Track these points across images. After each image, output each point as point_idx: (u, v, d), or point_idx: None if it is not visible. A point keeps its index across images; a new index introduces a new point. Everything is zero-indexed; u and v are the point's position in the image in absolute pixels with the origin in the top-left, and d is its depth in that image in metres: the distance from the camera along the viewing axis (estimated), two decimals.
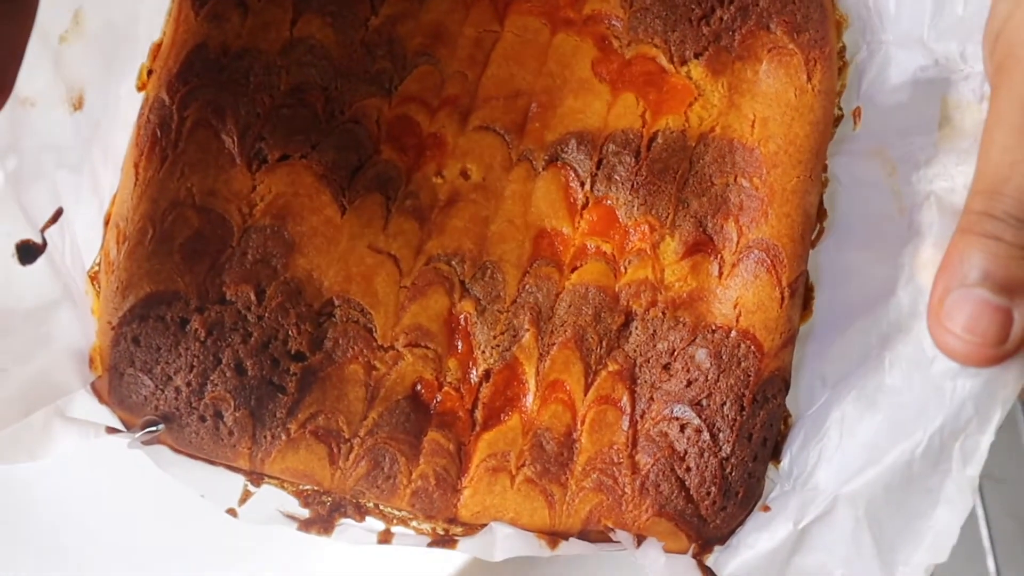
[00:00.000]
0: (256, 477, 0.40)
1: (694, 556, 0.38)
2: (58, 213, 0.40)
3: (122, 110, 0.40)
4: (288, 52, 0.42)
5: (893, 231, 0.39)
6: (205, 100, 0.41)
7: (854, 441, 0.38)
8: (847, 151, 0.43)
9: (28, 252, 0.39)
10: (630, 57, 0.42)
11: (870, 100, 0.42)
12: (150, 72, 0.42)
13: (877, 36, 0.43)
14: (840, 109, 0.43)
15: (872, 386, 0.38)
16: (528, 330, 0.40)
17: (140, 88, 0.42)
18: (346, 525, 0.38)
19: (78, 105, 0.40)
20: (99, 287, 0.40)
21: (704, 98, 0.42)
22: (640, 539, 0.37)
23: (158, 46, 0.42)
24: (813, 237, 0.42)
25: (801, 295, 0.41)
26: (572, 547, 0.38)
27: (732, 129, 0.42)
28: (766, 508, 0.39)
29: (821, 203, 0.42)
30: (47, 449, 0.37)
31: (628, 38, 0.43)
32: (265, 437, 0.40)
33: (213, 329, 0.40)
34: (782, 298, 0.40)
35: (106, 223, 0.41)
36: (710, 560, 0.38)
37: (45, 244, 0.38)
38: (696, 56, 0.42)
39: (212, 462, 0.40)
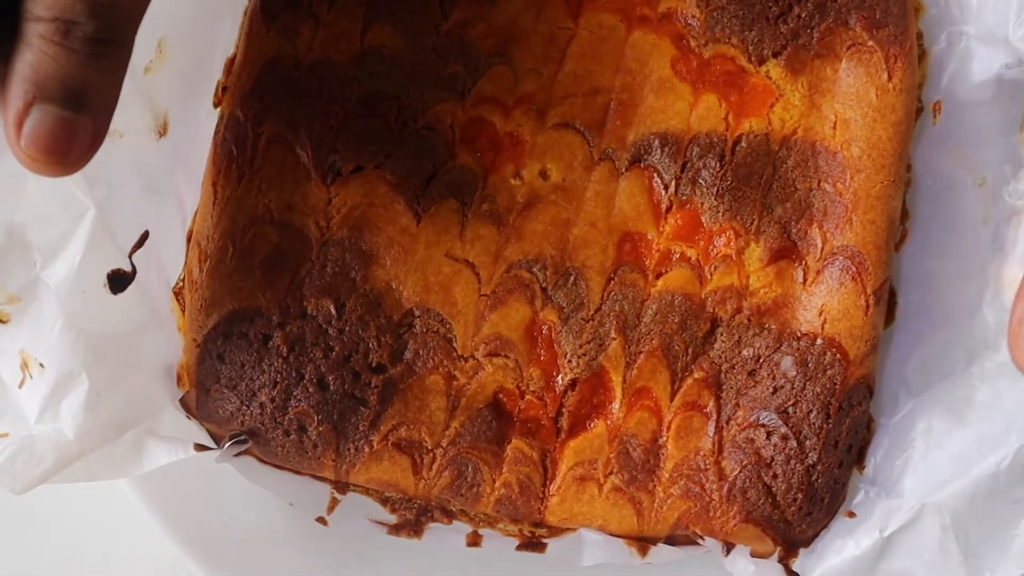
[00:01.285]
0: (342, 486, 0.44)
1: (780, 560, 0.42)
2: (144, 236, 0.48)
3: (202, 129, 0.46)
4: (359, 63, 0.49)
5: (976, 241, 0.44)
6: (279, 115, 0.48)
7: (941, 453, 0.43)
8: (928, 147, 0.45)
9: (119, 281, 0.47)
10: (708, 57, 0.50)
11: (951, 95, 0.46)
12: (224, 88, 0.50)
13: (957, 27, 0.46)
14: (920, 101, 0.45)
15: (960, 401, 0.43)
16: (615, 339, 0.48)
17: (216, 105, 0.51)
18: (435, 528, 0.42)
19: (163, 131, 0.46)
20: (183, 304, 0.44)
21: (784, 99, 0.49)
22: (728, 547, 0.41)
23: (231, 61, 0.50)
24: (896, 240, 0.45)
25: (885, 301, 0.50)
26: (661, 553, 0.41)
27: (814, 131, 0.49)
28: (851, 514, 0.44)
29: (904, 204, 0.45)
30: (138, 466, 0.44)
31: (705, 37, 0.50)
32: (349, 450, 0.48)
33: (295, 344, 0.48)
34: (867, 306, 0.48)
35: (188, 241, 0.45)
36: (795, 564, 0.42)
37: (135, 271, 0.43)
38: (774, 55, 0.50)
39: (298, 472, 0.44)
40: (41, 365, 0.44)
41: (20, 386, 0.44)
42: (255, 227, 0.47)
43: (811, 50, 0.48)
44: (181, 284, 0.49)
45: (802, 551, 0.46)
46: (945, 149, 0.48)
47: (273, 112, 0.47)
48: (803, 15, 0.48)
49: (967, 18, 0.47)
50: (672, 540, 0.47)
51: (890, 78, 0.48)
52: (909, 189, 0.49)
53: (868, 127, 0.47)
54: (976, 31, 0.46)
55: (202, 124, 0.48)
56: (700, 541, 0.46)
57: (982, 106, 0.46)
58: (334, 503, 0.48)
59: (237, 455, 0.47)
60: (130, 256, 0.46)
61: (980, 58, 0.46)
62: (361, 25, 0.48)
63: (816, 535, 0.47)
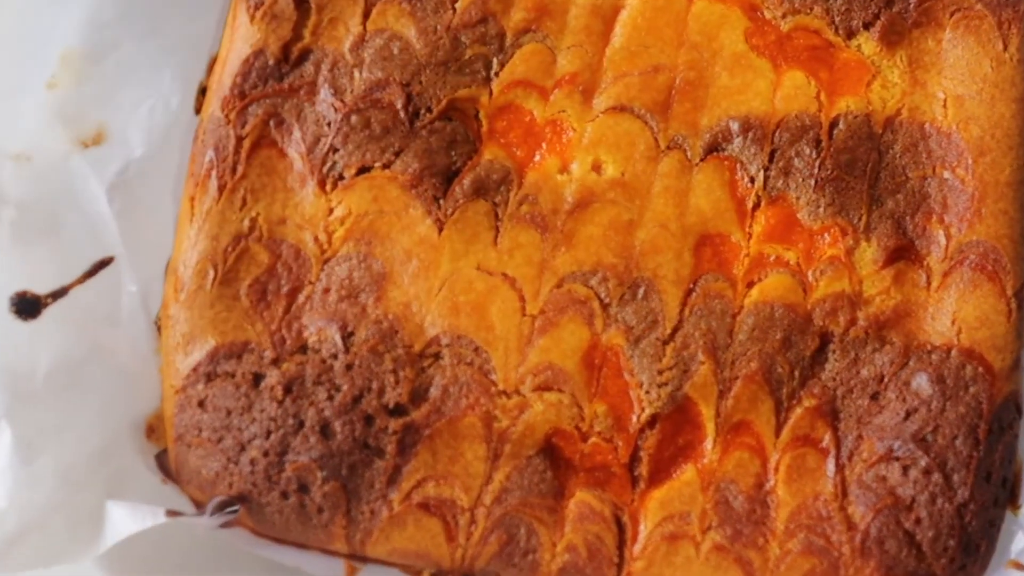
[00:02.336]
0: (358, 560, 0.61)
1: None
2: (103, 263, 0.62)
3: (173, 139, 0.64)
4: (360, 48, 0.65)
5: None
6: (266, 114, 0.63)
7: None
8: None
9: (27, 305, 0.61)
10: (788, 29, 0.66)
11: None
12: (204, 90, 0.65)
13: None
14: None
15: None
16: (703, 363, 0.61)
17: (197, 111, 0.64)
18: None
19: (94, 142, 0.65)
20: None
21: (882, 76, 0.66)
22: None
23: (214, 60, 0.65)
24: None
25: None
26: None
27: (921, 111, 0.65)
28: (1017, 565, 0.61)
29: None
30: (98, 540, 0.56)
31: (783, 8, 0.66)
32: (362, 513, 0.59)
33: (292, 385, 0.60)
34: (1009, 311, 0.62)
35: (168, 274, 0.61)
36: None
37: (53, 294, 0.59)
38: (865, 26, 0.66)
39: (303, 546, 0.59)
40: None
41: None
42: (240, 246, 0.61)
43: (908, 18, 0.65)
44: (159, 323, 0.61)
45: None
46: None
47: (258, 111, 0.62)
48: None
49: None
50: None
51: (1006, 47, 0.64)
52: None
53: (987, 104, 0.63)
54: None
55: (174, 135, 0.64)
56: None
57: None
58: (352, 571, 0.60)
59: (224, 525, 0.57)
60: (70, 287, 0.60)
61: None
62: (363, 7, 0.64)
63: None
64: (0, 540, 0.58)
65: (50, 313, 0.61)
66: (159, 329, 0.63)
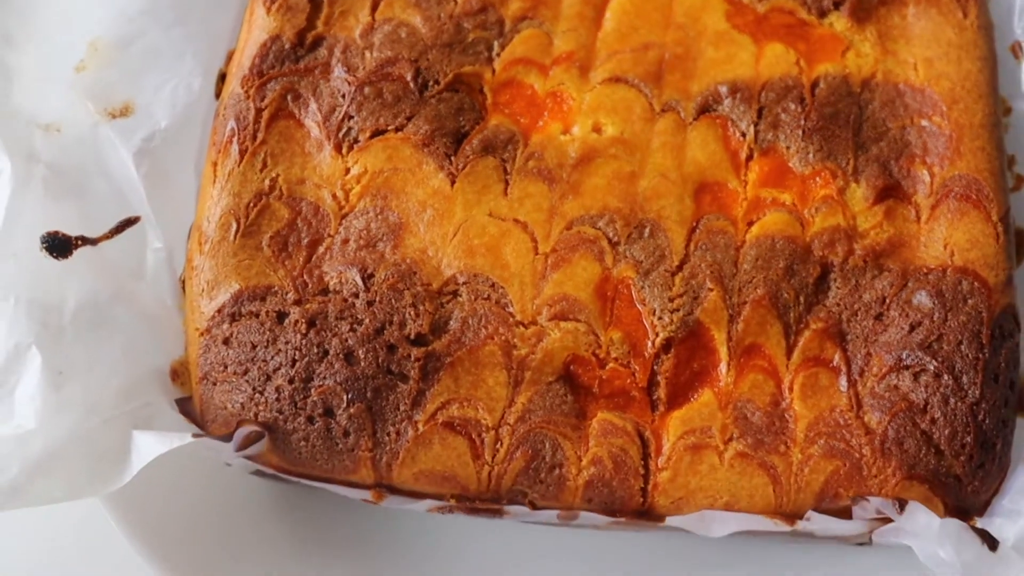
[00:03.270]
0: (381, 493, 0.61)
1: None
2: (129, 221, 0.70)
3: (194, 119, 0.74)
4: (370, 34, 0.76)
5: None
6: (283, 89, 0.74)
7: None
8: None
9: (59, 244, 0.66)
10: (764, 11, 0.78)
11: None
12: (223, 77, 0.76)
13: None
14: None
15: None
16: (711, 290, 0.69)
17: (217, 96, 0.76)
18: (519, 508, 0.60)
19: (123, 113, 0.69)
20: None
21: (855, 48, 0.79)
22: (901, 503, 0.59)
23: (231, 55, 0.77)
24: (1011, 186, 0.71)
25: (1014, 233, 0.69)
26: (814, 523, 0.60)
27: (894, 74, 0.77)
28: None
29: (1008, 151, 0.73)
30: (125, 464, 0.61)
31: None
32: (389, 434, 0.65)
33: (316, 320, 0.68)
34: (997, 234, 0.71)
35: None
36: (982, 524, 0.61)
37: (82, 237, 0.67)
38: (836, 6, 0.80)
39: (330, 480, 0.63)
40: None
41: None
42: (261, 202, 0.69)
43: None
44: (183, 280, 0.69)
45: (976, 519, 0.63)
46: None
47: (276, 87, 0.72)
48: None
49: None
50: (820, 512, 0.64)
51: (966, 15, 0.77)
52: (1008, 134, 0.76)
53: (954, 63, 0.75)
54: None
55: (195, 113, 0.73)
56: (858, 510, 0.62)
57: None
58: (380, 497, 0.65)
59: (246, 451, 0.62)
60: (99, 240, 0.67)
61: None
62: (370, 2, 0.76)
63: (991, 498, 0.64)
64: (27, 463, 0.61)
65: (79, 255, 0.67)
66: (183, 286, 0.71)
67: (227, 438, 0.64)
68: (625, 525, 0.65)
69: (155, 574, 0.66)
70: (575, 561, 0.72)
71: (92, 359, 0.64)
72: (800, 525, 0.63)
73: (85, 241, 0.67)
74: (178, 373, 0.67)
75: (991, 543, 0.61)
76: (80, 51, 0.73)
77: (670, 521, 0.63)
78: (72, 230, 0.67)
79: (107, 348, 0.65)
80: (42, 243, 0.65)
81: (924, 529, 0.62)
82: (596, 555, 0.72)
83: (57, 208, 0.67)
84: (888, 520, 0.63)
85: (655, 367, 0.67)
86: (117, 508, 0.67)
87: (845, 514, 0.64)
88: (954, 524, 0.62)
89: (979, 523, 0.64)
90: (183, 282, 0.70)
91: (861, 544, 0.69)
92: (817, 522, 0.63)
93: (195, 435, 0.63)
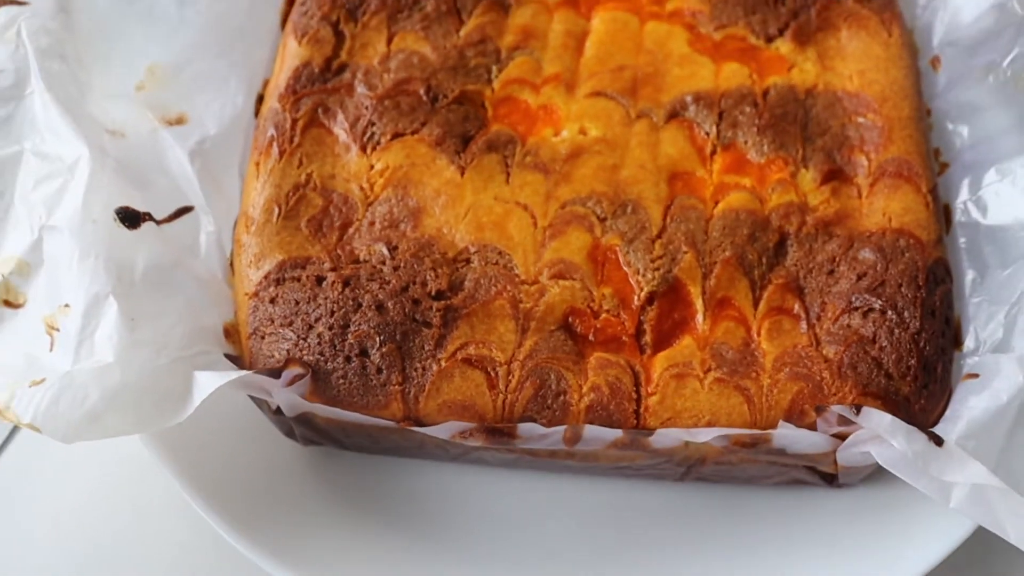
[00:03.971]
0: (411, 424, 0.71)
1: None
2: (183, 210, 0.81)
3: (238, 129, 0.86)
4: (387, 61, 0.89)
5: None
6: (314, 104, 0.87)
7: None
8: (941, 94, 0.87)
9: (130, 217, 0.78)
10: (720, 39, 0.90)
11: (950, 44, 0.87)
12: (261, 98, 0.88)
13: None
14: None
15: None
16: (686, 252, 0.81)
17: (256, 114, 0.88)
18: (530, 426, 0.69)
19: (178, 121, 0.80)
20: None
21: (798, 66, 0.90)
22: (857, 407, 0.69)
23: (267, 81, 0.89)
24: (937, 171, 0.83)
25: (941, 205, 0.80)
26: (784, 435, 0.69)
27: (833, 84, 0.90)
28: (973, 375, 0.72)
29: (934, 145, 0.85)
30: (187, 399, 0.71)
31: (714, 25, 0.92)
32: (416, 370, 0.76)
33: (350, 280, 0.79)
34: (927, 203, 0.83)
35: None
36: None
37: (148, 213, 0.78)
38: (780, 33, 0.93)
39: (364, 413, 0.74)
40: (66, 306, 0.71)
41: (51, 349, 0.71)
42: (299, 192, 0.81)
43: (812, 25, 0.91)
44: (231, 258, 0.80)
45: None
46: (960, 79, 0.90)
47: (308, 103, 0.84)
48: None
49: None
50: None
51: (890, 35, 0.90)
52: (932, 133, 0.88)
53: (883, 71, 0.88)
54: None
55: (238, 126, 0.85)
56: (822, 420, 0.71)
57: (983, 33, 0.88)
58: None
59: (292, 387, 0.72)
60: (161, 222, 0.77)
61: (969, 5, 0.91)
62: (386, 35, 0.89)
63: (938, 417, 0.74)
64: (105, 393, 0.69)
65: (145, 228, 0.78)
66: (231, 264, 0.81)
67: (276, 374, 0.72)
68: (623, 447, 0.73)
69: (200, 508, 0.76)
70: (580, 518, 0.81)
71: (159, 310, 0.73)
72: (773, 438, 0.72)
73: (150, 218, 0.77)
74: (229, 333, 0.77)
75: (937, 440, 0.71)
76: (139, 74, 0.85)
77: (660, 432, 0.72)
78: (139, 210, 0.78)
79: (171, 303, 0.74)
80: (116, 214, 0.75)
81: (877, 426, 0.70)
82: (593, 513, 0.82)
83: (127, 193, 0.77)
84: (846, 436, 0.72)
85: (641, 317, 0.77)
86: (165, 451, 0.77)
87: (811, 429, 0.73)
88: (903, 423, 0.71)
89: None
90: (231, 261, 0.80)
91: (831, 483, 0.78)
92: (787, 434, 0.72)
93: (252, 372, 0.72)
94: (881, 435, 0.70)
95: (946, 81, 0.91)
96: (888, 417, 0.71)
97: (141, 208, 0.77)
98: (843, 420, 0.72)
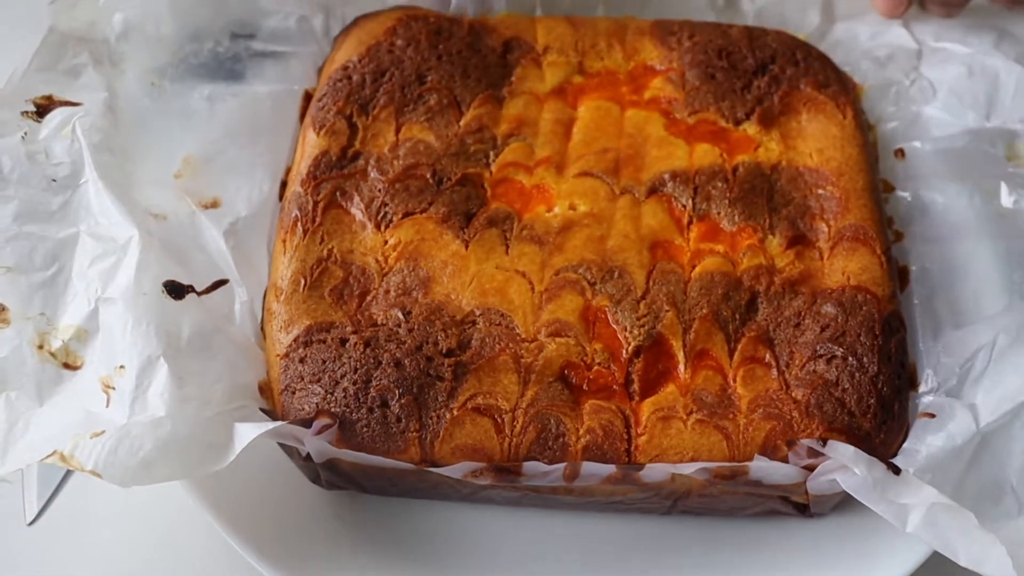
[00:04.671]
0: (427, 466, 0.79)
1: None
2: (219, 283, 0.91)
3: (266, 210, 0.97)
4: (396, 149, 0.97)
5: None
6: (333, 188, 0.97)
7: (1005, 364, 0.83)
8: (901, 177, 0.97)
9: (176, 289, 0.88)
10: (693, 123, 1.00)
11: (921, 138, 0.98)
12: (284, 184, 0.99)
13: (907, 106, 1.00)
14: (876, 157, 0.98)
15: (1021, 323, 0.85)
16: (668, 311, 0.91)
17: (280, 198, 0.99)
18: (534, 464, 0.78)
19: (212, 205, 0.90)
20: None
21: (764, 145, 1.00)
22: (824, 440, 0.78)
23: (289, 169, 1.00)
24: (892, 239, 0.93)
25: (895, 265, 0.90)
26: (759, 468, 0.78)
27: (795, 161, 1.00)
28: (929, 415, 0.81)
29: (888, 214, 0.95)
30: (230, 447, 0.79)
31: (688, 111, 1.02)
32: (431, 418, 0.85)
33: (370, 342, 0.88)
34: (881, 263, 0.92)
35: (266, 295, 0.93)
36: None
37: (191, 286, 0.87)
38: (747, 116, 1.03)
39: (385, 456, 0.83)
40: (121, 367, 0.80)
41: (107, 405, 0.80)
42: (322, 266, 0.90)
43: (775, 110, 1.01)
44: (262, 324, 0.89)
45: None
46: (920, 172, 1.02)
47: (327, 187, 0.95)
48: (762, 86, 1.03)
49: (926, 99, 1.06)
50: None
51: (844, 117, 1.01)
52: (890, 205, 0.99)
53: (840, 148, 0.98)
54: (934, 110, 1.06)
55: (265, 209, 0.96)
56: (793, 454, 0.80)
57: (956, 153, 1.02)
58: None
59: (321, 435, 0.80)
60: (201, 293, 0.87)
61: (939, 123, 1.04)
62: (394, 126, 0.99)
63: (897, 449, 0.83)
64: (158, 443, 0.78)
65: (189, 300, 0.87)
66: (263, 331, 0.90)
67: (307, 424, 0.81)
68: (616, 482, 0.82)
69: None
70: (578, 548, 0.89)
71: (202, 370, 0.82)
72: (750, 470, 0.81)
73: (193, 290, 0.86)
74: (263, 389, 0.86)
75: (895, 469, 0.79)
76: (176, 163, 0.95)
77: (649, 467, 0.80)
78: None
79: (213, 364, 0.83)
80: (163, 287, 0.85)
81: (842, 456, 0.79)
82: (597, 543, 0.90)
83: (171, 268, 0.87)
84: (814, 468, 0.81)
85: (629, 368, 0.86)
86: (204, 493, 0.85)
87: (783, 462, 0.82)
88: (864, 454, 0.79)
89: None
90: (262, 327, 0.89)
91: (804, 512, 0.87)
92: (762, 466, 0.80)
93: (288, 422, 0.80)
94: (845, 464, 0.79)
95: (905, 168, 1.02)
96: (851, 448, 0.80)
97: (185, 282, 0.87)
98: (812, 452, 0.80)
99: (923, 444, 0.82)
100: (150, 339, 0.81)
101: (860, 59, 1.11)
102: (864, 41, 1.13)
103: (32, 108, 0.92)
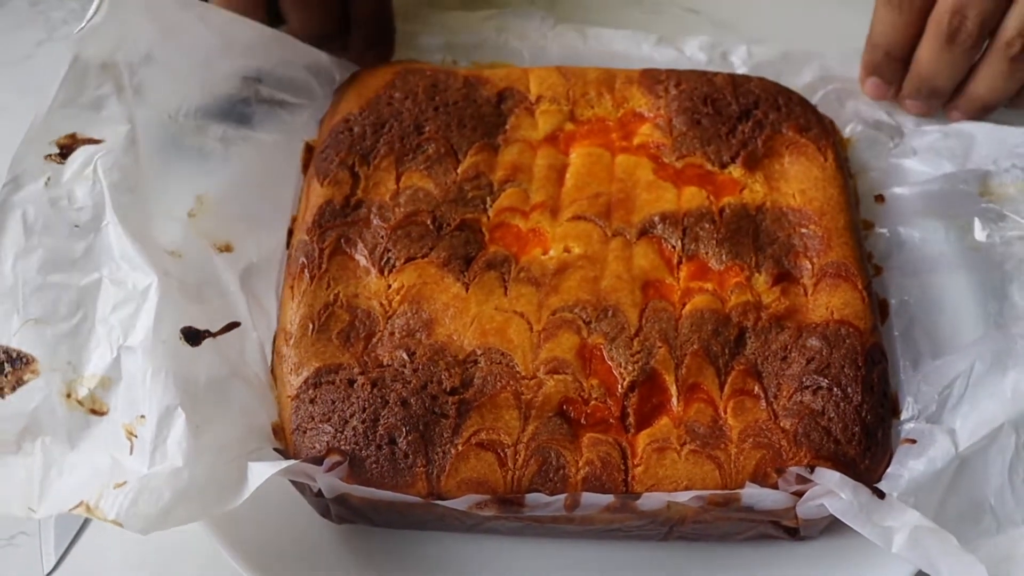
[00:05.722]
0: (434, 499, 0.82)
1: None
2: (232, 325, 0.95)
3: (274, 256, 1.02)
4: (397, 197, 0.99)
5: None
6: (337, 235, 1.01)
7: (981, 390, 0.87)
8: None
9: (192, 335, 0.92)
10: (681, 167, 1.05)
11: (900, 184, 1.03)
12: (291, 232, 1.03)
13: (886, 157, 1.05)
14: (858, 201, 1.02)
15: (995, 350, 0.89)
16: (660, 347, 0.95)
17: (287, 246, 1.03)
18: (536, 496, 0.81)
19: (225, 249, 0.93)
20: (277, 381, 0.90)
21: (749, 187, 1.03)
22: (811, 467, 0.81)
23: (295, 218, 1.03)
24: (872, 273, 0.97)
25: (876, 299, 0.93)
26: (750, 495, 0.81)
27: (779, 202, 1.04)
28: (911, 440, 0.85)
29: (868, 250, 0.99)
30: (243, 487, 0.83)
31: (675, 155, 1.06)
32: (437, 454, 0.88)
33: (377, 382, 0.92)
34: (863, 297, 0.96)
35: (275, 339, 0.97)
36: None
37: (207, 330, 0.91)
38: (732, 160, 1.07)
39: (393, 490, 0.86)
40: (142, 416, 0.84)
41: (131, 453, 0.83)
42: (328, 310, 0.94)
43: (759, 153, 1.06)
44: (272, 367, 0.93)
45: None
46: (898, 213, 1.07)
47: (332, 234, 0.99)
48: (746, 131, 1.07)
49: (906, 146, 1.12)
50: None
51: (825, 159, 1.05)
52: (869, 242, 1.04)
53: (821, 189, 1.03)
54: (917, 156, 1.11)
55: (274, 256, 1.00)
56: (781, 481, 0.84)
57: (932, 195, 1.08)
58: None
59: (332, 472, 0.84)
60: (216, 334, 0.91)
61: (917, 171, 1.10)
62: (395, 175, 1.04)
63: (881, 474, 0.86)
64: (176, 492, 0.81)
65: (205, 345, 0.90)
66: (273, 374, 0.92)
67: (319, 461, 0.84)
68: (614, 511, 0.85)
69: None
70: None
71: (218, 416, 0.85)
72: (742, 497, 0.84)
73: (209, 334, 0.90)
74: (275, 431, 0.89)
75: (879, 494, 0.82)
76: (191, 201, 0.99)
77: (646, 496, 0.83)
78: (199, 327, 0.90)
79: (229, 410, 0.87)
80: (181, 334, 0.88)
81: (829, 482, 0.83)
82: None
83: (188, 310, 0.90)
84: (803, 493, 0.84)
85: (625, 403, 0.89)
86: (219, 531, 0.88)
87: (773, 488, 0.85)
88: (850, 480, 0.83)
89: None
90: (272, 369, 0.93)
91: (794, 536, 0.90)
92: (753, 493, 0.84)
93: (300, 461, 0.83)
94: (832, 490, 0.82)
95: (885, 210, 1.07)
96: (837, 475, 0.83)
97: (201, 326, 0.90)
98: (800, 479, 0.84)
99: (905, 469, 0.86)
100: (168, 388, 0.84)
101: (849, 119, 1.17)
102: (850, 110, 1.20)
103: (56, 150, 0.94)
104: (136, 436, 0.83)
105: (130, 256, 0.90)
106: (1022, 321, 0.96)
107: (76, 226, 0.91)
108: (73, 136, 0.96)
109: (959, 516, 0.84)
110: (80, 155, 0.95)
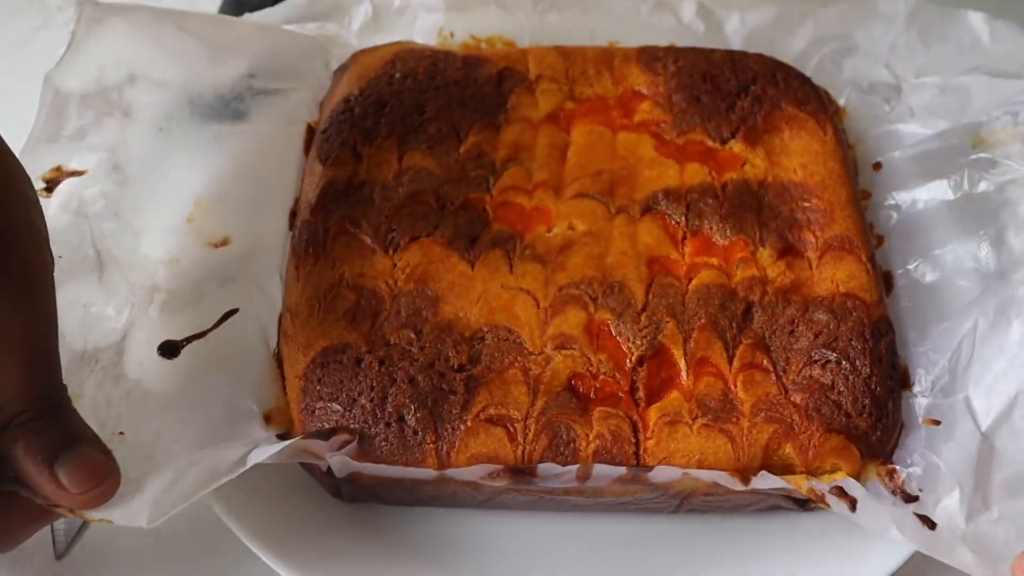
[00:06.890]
0: (443, 481, 0.81)
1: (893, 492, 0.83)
2: (230, 313, 0.93)
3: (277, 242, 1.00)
4: (400, 177, 0.98)
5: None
6: (341, 215, 1.00)
7: (989, 348, 0.86)
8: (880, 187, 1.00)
9: (169, 349, 0.90)
10: (682, 143, 1.03)
11: (896, 149, 1.02)
12: (294, 214, 1.01)
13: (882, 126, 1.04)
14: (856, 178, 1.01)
15: (997, 303, 0.89)
16: (668, 321, 0.94)
17: (290, 228, 1.01)
18: (548, 466, 0.80)
19: (223, 243, 0.92)
20: (281, 367, 0.91)
21: (750, 162, 1.03)
22: (853, 503, 0.82)
23: (297, 199, 1.03)
24: (875, 244, 0.96)
25: (880, 271, 0.93)
26: (764, 481, 0.80)
27: (780, 177, 1.03)
28: (934, 422, 0.84)
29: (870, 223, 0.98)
30: (242, 463, 0.81)
31: (676, 132, 1.05)
32: (446, 430, 0.87)
33: (384, 361, 0.90)
34: (867, 270, 0.95)
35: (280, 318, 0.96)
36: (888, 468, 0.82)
37: (185, 339, 0.89)
38: (732, 135, 1.06)
39: (405, 477, 0.85)
40: (121, 434, 0.82)
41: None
42: (334, 290, 0.93)
43: (759, 128, 1.05)
44: (277, 350, 0.91)
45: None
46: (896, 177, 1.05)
47: (336, 214, 0.97)
48: (745, 106, 1.06)
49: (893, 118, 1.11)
50: (768, 468, 0.83)
51: (825, 133, 1.04)
52: (868, 211, 1.03)
53: (822, 163, 1.02)
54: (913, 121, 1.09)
55: (276, 240, 0.98)
56: (796, 470, 0.83)
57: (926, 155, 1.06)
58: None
59: (341, 450, 0.82)
60: (207, 332, 0.89)
61: (913, 135, 1.08)
62: (397, 155, 1.02)
63: (893, 447, 0.86)
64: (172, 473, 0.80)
65: (189, 349, 0.89)
66: (278, 355, 0.91)
67: (325, 436, 0.83)
68: (626, 483, 0.84)
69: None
70: (591, 547, 0.92)
71: (205, 416, 0.84)
72: (753, 484, 0.83)
73: (196, 337, 0.88)
74: (270, 417, 0.87)
75: (930, 524, 0.81)
76: (188, 207, 0.96)
77: (658, 468, 0.82)
78: (185, 331, 0.89)
79: (217, 404, 0.86)
80: (158, 350, 0.87)
81: (873, 516, 0.81)
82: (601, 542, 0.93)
83: (171, 321, 0.89)
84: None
85: (634, 377, 0.88)
86: (232, 511, 0.87)
87: (789, 471, 0.85)
88: (899, 510, 0.82)
89: (887, 467, 0.85)
90: (276, 351, 0.91)
91: (803, 506, 0.89)
92: (767, 481, 0.83)
93: (303, 436, 0.82)
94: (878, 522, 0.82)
95: (882, 177, 1.06)
96: (887, 513, 0.81)
97: (191, 331, 0.88)
98: (837, 491, 0.84)
99: (941, 459, 0.85)
100: (148, 410, 0.83)
101: (843, 86, 1.15)
102: (847, 72, 1.18)
103: (43, 185, 0.94)
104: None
105: (110, 283, 0.89)
106: (1021, 266, 0.94)
107: (60, 256, 0.88)
108: (59, 169, 0.95)
109: (1006, 490, 0.83)
110: (65, 187, 0.94)
